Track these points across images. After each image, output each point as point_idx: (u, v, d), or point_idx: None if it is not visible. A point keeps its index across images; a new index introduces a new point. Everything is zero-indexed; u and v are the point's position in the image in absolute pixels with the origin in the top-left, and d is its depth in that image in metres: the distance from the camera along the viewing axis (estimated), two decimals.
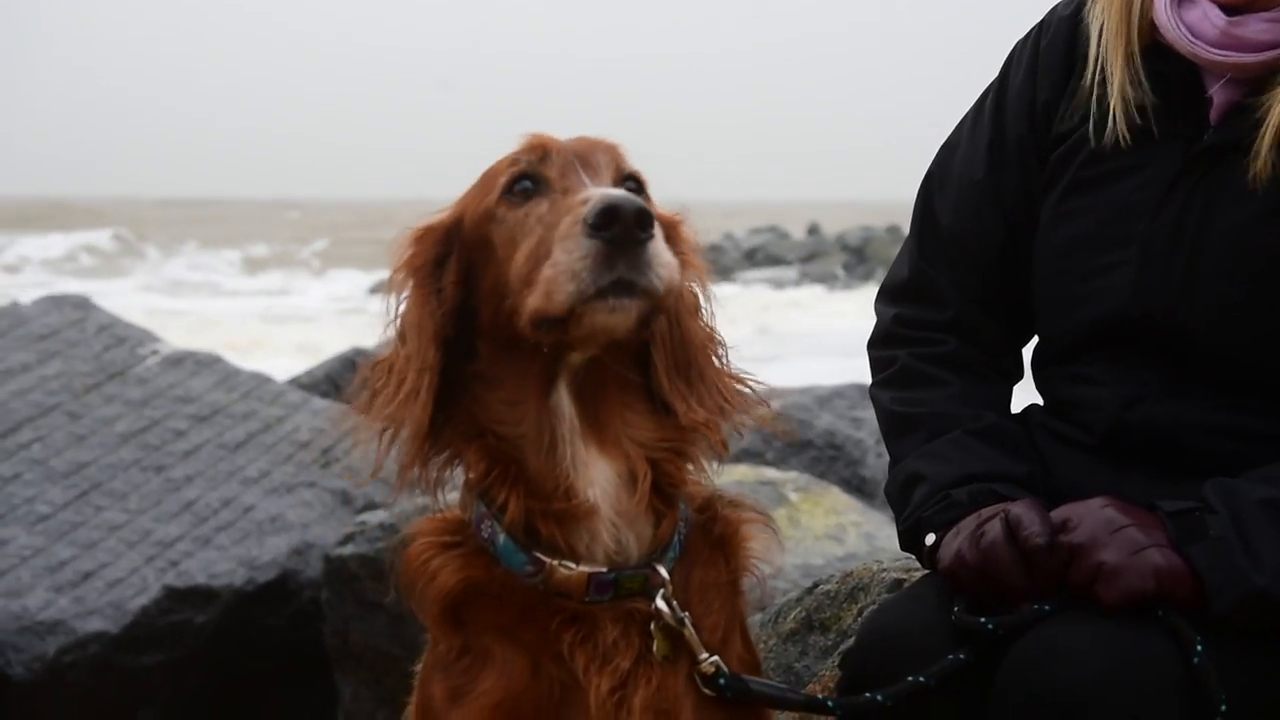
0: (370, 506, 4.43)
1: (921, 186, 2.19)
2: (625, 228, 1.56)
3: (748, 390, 1.86)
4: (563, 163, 1.74)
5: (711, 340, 1.86)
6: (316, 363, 6.23)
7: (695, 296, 1.85)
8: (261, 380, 5.14)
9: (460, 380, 1.77)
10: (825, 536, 4.07)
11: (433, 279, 1.78)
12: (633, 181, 1.78)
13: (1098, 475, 1.89)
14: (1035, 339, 2.13)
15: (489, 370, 1.76)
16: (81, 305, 5.27)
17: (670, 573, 1.76)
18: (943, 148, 2.18)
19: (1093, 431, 1.93)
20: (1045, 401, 2.07)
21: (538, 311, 1.62)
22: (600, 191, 1.61)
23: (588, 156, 1.75)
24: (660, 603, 1.74)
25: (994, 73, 2.18)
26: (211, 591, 4.12)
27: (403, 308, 1.79)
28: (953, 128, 2.19)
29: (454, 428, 1.77)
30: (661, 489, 1.75)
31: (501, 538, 1.75)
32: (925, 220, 2.16)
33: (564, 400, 1.71)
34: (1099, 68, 1.95)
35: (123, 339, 5.10)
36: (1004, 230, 2.06)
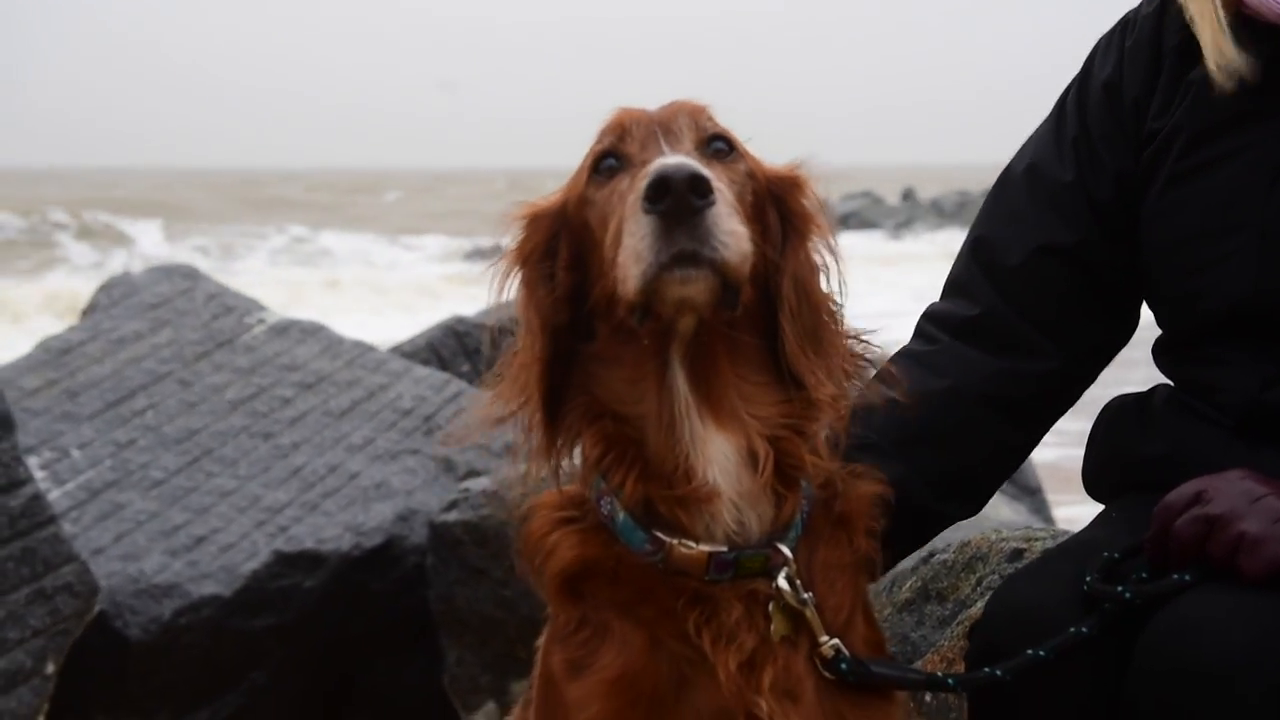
0: (473, 473, 4.47)
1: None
2: (678, 198, 1.51)
3: (866, 359, 1.80)
4: (643, 135, 1.69)
5: (830, 304, 1.79)
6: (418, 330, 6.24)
7: (817, 258, 1.78)
8: (364, 349, 5.19)
9: (580, 361, 1.74)
10: None
11: (542, 265, 1.76)
12: (721, 142, 1.71)
13: (1232, 452, 1.83)
14: (1147, 328, 2.09)
15: (606, 350, 1.73)
16: (190, 275, 5.35)
17: (793, 552, 1.72)
18: (1019, 149, 2.15)
19: (1228, 413, 1.87)
20: (1175, 381, 2.01)
21: (622, 299, 1.60)
22: (657, 163, 1.55)
23: (669, 123, 1.70)
24: (782, 581, 1.70)
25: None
26: (319, 556, 4.18)
27: (515, 296, 1.77)
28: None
29: (575, 410, 1.74)
30: (783, 470, 1.69)
31: (621, 515, 1.74)
32: (986, 215, 2.15)
33: (678, 376, 1.67)
34: (1191, 47, 1.88)
35: (230, 308, 5.19)
36: (1060, 223, 2.02)
